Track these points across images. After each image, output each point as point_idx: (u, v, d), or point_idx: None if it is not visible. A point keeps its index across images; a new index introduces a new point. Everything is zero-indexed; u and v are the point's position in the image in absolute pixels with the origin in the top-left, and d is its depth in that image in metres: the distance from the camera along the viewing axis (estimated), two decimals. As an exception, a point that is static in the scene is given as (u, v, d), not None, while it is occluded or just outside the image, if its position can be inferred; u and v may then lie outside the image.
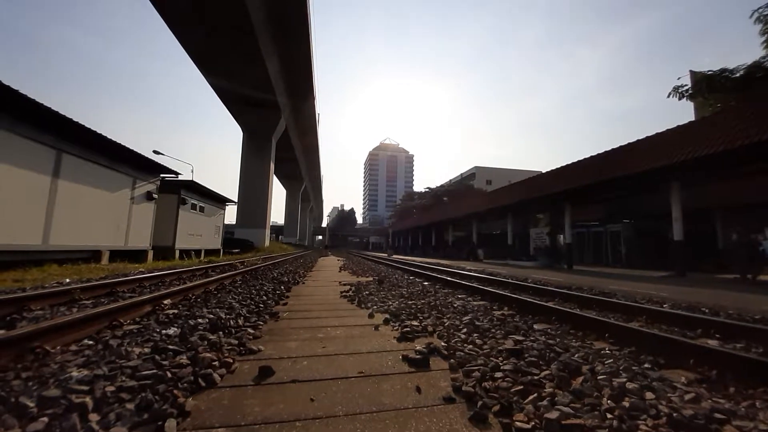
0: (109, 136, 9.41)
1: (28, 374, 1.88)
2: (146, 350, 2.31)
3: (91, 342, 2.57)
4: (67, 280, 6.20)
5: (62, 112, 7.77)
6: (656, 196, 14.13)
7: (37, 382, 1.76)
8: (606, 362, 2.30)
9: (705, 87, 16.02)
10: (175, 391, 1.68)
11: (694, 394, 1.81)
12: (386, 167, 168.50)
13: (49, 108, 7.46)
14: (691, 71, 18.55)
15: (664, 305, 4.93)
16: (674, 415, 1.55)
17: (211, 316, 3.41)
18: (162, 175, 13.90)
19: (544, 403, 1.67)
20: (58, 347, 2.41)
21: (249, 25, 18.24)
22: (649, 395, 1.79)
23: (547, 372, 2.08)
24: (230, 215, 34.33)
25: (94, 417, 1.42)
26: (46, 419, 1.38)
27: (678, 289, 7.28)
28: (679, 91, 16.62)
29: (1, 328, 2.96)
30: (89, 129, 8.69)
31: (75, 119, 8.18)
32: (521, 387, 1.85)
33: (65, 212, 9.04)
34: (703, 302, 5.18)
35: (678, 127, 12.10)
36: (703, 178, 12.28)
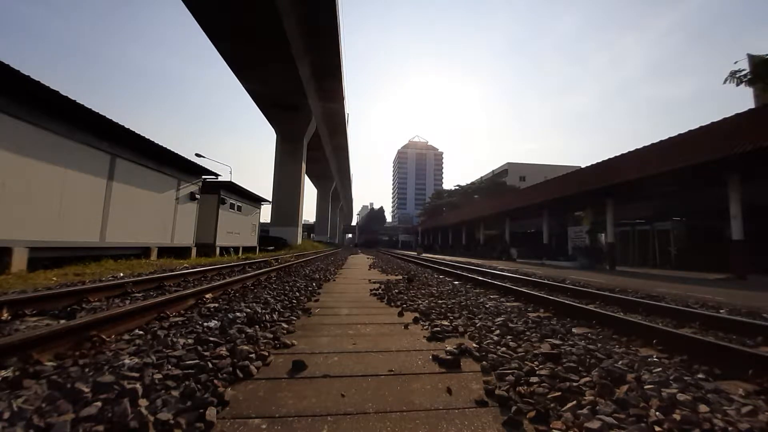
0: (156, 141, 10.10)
1: (84, 361, 2.05)
2: (190, 341, 2.46)
3: (141, 332, 2.78)
4: (121, 275, 6.73)
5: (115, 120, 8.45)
6: (712, 191, 12.95)
7: (92, 369, 1.91)
8: (654, 371, 2.14)
9: (765, 71, 14.55)
10: (216, 381, 1.77)
11: (752, 406, 1.66)
12: (415, 165, 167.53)
13: (104, 116, 8.12)
14: (749, 55, 16.75)
15: (721, 310, 4.52)
16: (729, 429, 1.44)
17: (248, 310, 3.56)
18: (203, 177, 14.72)
19: (585, 411, 1.58)
20: (113, 336, 2.63)
21: (281, 31, 18.78)
22: (702, 408, 1.65)
23: (587, 379, 1.97)
24: (265, 214, 35.76)
25: (143, 402, 1.52)
26: (99, 404, 1.48)
27: (737, 293, 6.65)
28: (737, 76, 15.13)
29: (62, 318, 3.28)
30: (139, 135, 9.36)
31: (126, 125, 8.86)
32: (559, 393, 1.76)
33: (119, 212, 9.82)
34: (764, 308, 4.69)
35: (738, 114, 11.01)
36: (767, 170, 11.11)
